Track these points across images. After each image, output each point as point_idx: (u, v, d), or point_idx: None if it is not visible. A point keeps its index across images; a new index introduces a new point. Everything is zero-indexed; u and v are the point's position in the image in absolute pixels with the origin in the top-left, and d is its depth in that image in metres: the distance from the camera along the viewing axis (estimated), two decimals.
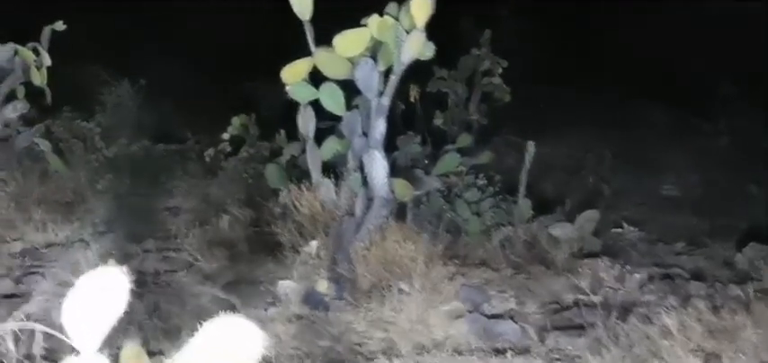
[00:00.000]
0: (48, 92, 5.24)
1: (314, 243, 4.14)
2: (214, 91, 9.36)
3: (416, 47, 3.92)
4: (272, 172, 5.41)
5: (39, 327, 2.74)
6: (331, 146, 4.58)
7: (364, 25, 4.01)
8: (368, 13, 4.05)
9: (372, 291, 4.02)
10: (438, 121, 6.88)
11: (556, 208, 5.98)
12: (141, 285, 3.93)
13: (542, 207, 5.69)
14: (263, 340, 1.17)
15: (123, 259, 4.35)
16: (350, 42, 3.95)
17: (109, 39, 8.20)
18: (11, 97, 5.41)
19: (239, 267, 4.24)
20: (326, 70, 4.17)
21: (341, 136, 4.62)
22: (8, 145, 5.52)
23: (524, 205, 5.42)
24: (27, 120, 5.82)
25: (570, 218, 5.50)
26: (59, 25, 5.27)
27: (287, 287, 4.01)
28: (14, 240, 4.38)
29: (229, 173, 6.61)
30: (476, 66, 7.23)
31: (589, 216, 5.42)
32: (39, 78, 5.13)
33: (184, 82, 8.31)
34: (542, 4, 10.10)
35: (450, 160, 5.68)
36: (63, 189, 5.57)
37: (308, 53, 4.09)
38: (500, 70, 7.36)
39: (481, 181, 6.03)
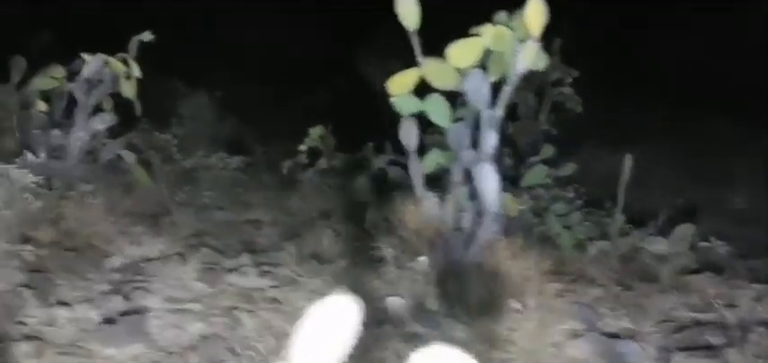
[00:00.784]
0: (137, 104, 5.19)
1: (423, 259, 4.02)
2: (282, 102, 9.35)
3: (531, 57, 3.78)
4: (361, 185, 5.31)
5: None
6: (434, 158, 4.46)
7: (475, 34, 3.87)
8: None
9: (484, 309, 3.88)
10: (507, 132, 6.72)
11: (648, 221, 5.79)
12: (248, 300, 3.83)
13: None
14: None
15: (223, 273, 4.27)
16: (463, 52, 3.83)
17: (180, 50, 8.16)
18: (98, 109, 5.36)
19: (342, 282, 4.12)
20: (435, 81, 4.05)
21: (444, 148, 4.50)
22: (93, 157, 5.48)
23: (620, 219, 5.25)
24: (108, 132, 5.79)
25: (662, 232, 5.33)
26: (147, 35, 5.22)
27: (396, 304, 3.89)
28: (112, 254, 4.29)
29: (309, 185, 6.52)
30: (546, 75, 7.08)
31: (684, 231, 5.25)
32: (128, 90, 5.07)
33: (254, 93, 8.27)
34: (597, 14, 9.95)
35: (538, 172, 5.54)
36: (146, 201, 5.52)
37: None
38: (570, 80, 7.21)
39: (569, 194, 5.88)
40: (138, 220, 5.05)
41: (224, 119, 7.28)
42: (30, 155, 4.04)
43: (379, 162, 5.60)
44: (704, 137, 8.42)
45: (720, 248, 5.73)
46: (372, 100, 10.02)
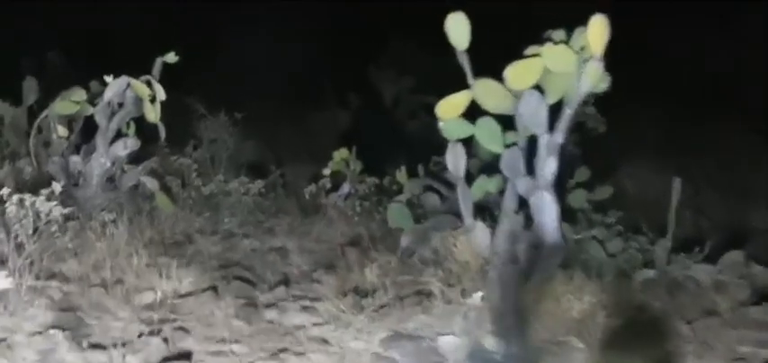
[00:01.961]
0: (161, 128, 4.93)
1: (478, 295, 3.77)
2: (300, 123, 9.12)
3: (594, 77, 3.55)
4: (394, 212, 5.07)
5: None
6: (481, 185, 4.22)
7: (535, 55, 3.63)
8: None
9: (544, 347, 3.63)
10: None
11: (692, 246, 5.54)
12: (294, 340, 3.57)
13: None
14: None
15: (261, 309, 4.02)
16: (521, 73, 3.58)
17: (198, 71, 7.93)
18: (119, 133, 5.11)
19: (389, 319, 3.87)
20: (487, 104, 3.81)
21: (491, 174, 4.27)
22: (113, 183, 5.22)
23: (665, 245, 5.02)
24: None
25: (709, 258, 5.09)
26: (171, 57, 4.98)
27: (450, 343, 3.63)
28: (142, 289, 4.03)
29: (333, 211, 6.27)
30: None
31: (733, 258, 5.01)
32: (152, 113, 4.82)
33: (270, 114, 8.02)
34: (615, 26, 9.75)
35: (577, 196, 5.31)
36: (169, 229, 5.27)
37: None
38: (592, 99, 6.98)
39: (609, 219, 5.64)
40: (163, 250, 4.81)
41: (243, 142, 7.01)
42: (55, 185, 3.75)
43: (413, 187, 5.34)
44: (722, 149, 8.23)
45: (763, 273, 5.48)
46: (390, 121, 9.83)
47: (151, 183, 5.13)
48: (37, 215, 3.66)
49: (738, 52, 9.60)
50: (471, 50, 3.79)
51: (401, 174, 5.40)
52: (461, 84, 3.78)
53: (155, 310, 3.85)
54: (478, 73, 3.86)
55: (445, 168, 5.70)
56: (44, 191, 3.68)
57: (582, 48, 3.51)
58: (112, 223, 4.71)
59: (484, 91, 3.78)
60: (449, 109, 3.83)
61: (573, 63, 3.52)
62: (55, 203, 3.58)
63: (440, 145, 7.91)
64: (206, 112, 6.63)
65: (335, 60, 10.45)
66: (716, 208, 6.97)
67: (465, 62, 3.81)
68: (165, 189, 5.60)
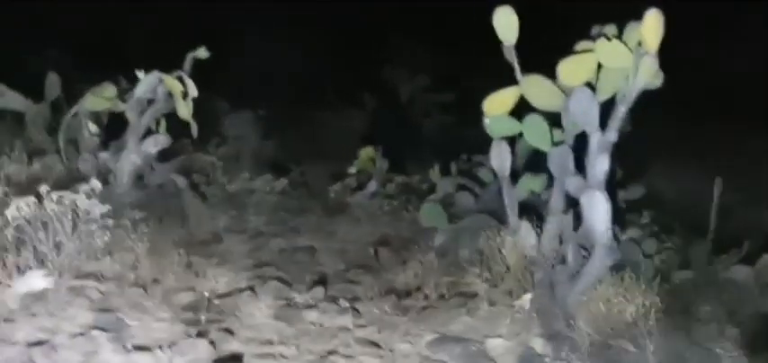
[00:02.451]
0: (194, 125, 4.84)
1: (527, 297, 3.68)
2: (319, 122, 9.03)
3: (648, 74, 3.46)
4: (428, 211, 4.98)
5: None
6: (526, 184, 4.13)
7: (587, 50, 3.55)
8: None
9: (596, 351, 3.54)
10: None
11: (728, 248, 5.45)
12: (342, 342, 3.48)
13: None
14: None
15: (301, 310, 3.92)
16: (574, 69, 3.49)
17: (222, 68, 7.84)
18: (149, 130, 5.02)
19: (433, 321, 3.78)
20: (536, 100, 3.73)
21: (535, 173, 4.19)
22: (142, 181, 5.13)
23: (704, 246, 4.94)
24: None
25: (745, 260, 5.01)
26: (203, 52, 4.88)
27: (499, 346, 3.54)
28: (179, 289, 3.94)
29: (359, 210, 6.19)
30: None
31: None
32: (185, 109, 4.72)
33: (285, 115, 7.93)
34: None
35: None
36: (198, 227, 5.18)
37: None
38: None
39: (644, 220, 5.56)
40: (193, 249, 4.70)
41: (265, 140, 6.92)
42: (95, 182, 3.65)
43: (446, 186, 5.24)
44: (745, 152, 8.13)
45: None
46: (407, 120, 9.74)
47: (181, 181, 5.04)
48: (76, 212, 3.54)
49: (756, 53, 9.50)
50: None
51: (434, 173, 5.30)
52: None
53: (195, 311, 3.74)
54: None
55: (477, 166, 5.65)
56: (82, 188, 3.56)
57: (638, 44, 3.41)
58: (143, 221, 4.61)
59: (532, 87, 3.70)
60: (496, 105, 3.74)
61: (628, 58, 3.42)
62: (96, 201, 3.47)
63: (459, 143, 7.86)
64: (230, 109, 6.52)
65: (346, 60, 10.35)
66: (744, 210, 6.87)
67: (513, 57, 3.73)
68: (193, 186, 5.51)
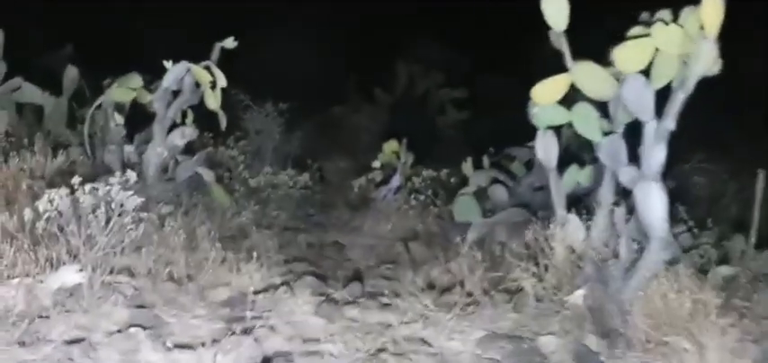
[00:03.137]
0: (222, 116, 4.68)
1: (579, 293, 3.53)
2: (329, 119, 8.90)
3: (708, 60, 3.30)
4: (463, 205, 4.84)
5: None
6: (572, 176, 3.98)
7: (644, 35, 3.40)
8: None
9: (650, 348, 3.40)
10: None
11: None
12: (391, 340, 3.33)
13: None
14: None
15: (341, 306, 3.78)
16: (632, 54, 3.35)
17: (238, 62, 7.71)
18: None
19: (480, 318, 3.63)
20: (587, 88, 3.58)
21: (582, 164, 4.04)
22: (167, 174, 4.98)
23: (745, 241, 4.78)
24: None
25: None
26: (230, 42, 4.73)
27: (551, 343, 3.39)
28: (214, 285, 3.80)
29: (383, 204, 6.05)
30: None
31: None
32: (213, 100, 4.57)
33: (300, 110, 7.77)
34: None
35: None
36: (225, 222, 5.03)
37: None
38: None
39: (681, 215, 5.40)
40: (223, 244, 4.54)
41: (287, 134, 6.77)
42: (130, 173, 3.50)
43: (479, 179, 5.10)
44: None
45: None
46: (423, 115, 9.59)
47: (207, 175, 4.89)
48: (109, 205, 3.39)
49: None
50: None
51: (466, 166, 5.15)
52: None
53: (231, 307, 3.60)
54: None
55: (505, 158, 5.50)
56: (115, 180, 3.41)
57: (700, 28, 3.26)
58: (171, 216, 4.47)
59: (584, 74, 3.55)
60: (546, 94, 3.60)
61: (686, 44, 3.27)
62: (130, 193, 3.32)
63: (475, 137, 7.70)
64: (251, 103, 6.37)
65: (361, 55, 10.21)
66: None
67: (563, 44, 3.58)
68: (218, 180, 5.37)
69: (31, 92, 5.70)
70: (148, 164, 4.59)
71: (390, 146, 6.20)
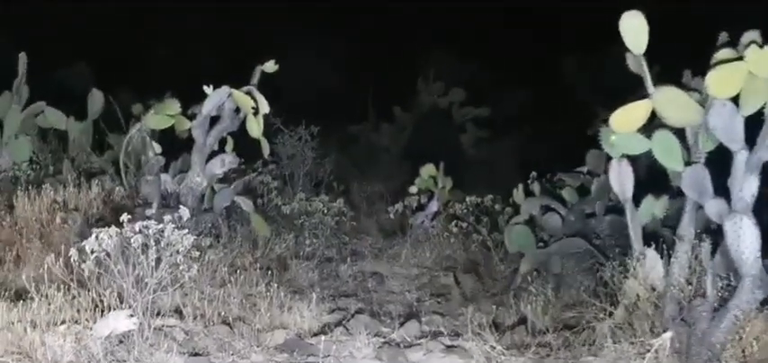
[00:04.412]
0: (265, 144, 4.44)
1: (667, 335, 3.28)
2: (350, 141, 8.66)
3: None
4: (516, 234, 4.59)
5: None
6: (648, 207, 3.74)
7: (736, 59, 3.16)
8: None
9: None
10: None
11: None
12: None
13: None
14: None
15: (402, 349, 3.53)
16: (725, 79, 3.10)
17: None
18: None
19: (556, 361, 3.37)
20: (669, 115, 3.34)
21: (656, 195, 3.80)
22: (204, 203, 4.73)
23: None
24: None
25: None
26: (271, 66, 4.49)
27: None
28: (268, 328, 3.54)
29: (421, 232, 5.80)
30: None
31: None
32: (256, 127, 4.32)
33: (332, 129, 7.53)
34: None
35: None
36: (264, 254, 4.79)
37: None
38: None
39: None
40: (260, 276, 4.30)
41: (318, 159, 6.52)
42: (184, 210, 3.24)
43: (531, 207, 4.85)
44: None
45: None
46: (445, 135, 9.33)
47: (246, 205, 4.64)
48: (158, 243, 3.13)
49: None
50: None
51: (517, 193, 4.90)
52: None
53: (288, 351, 3.35)
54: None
55: (554, 185, 5.25)
56: (167, 218, 3.16)
57: None
58: (212, 249, 4.23)
59: (666, 100, 3.30)
60: (625, 121, 3.34)
61: None
62: (185, 232, 3.06)
63: (501, 159, 7.42)
64: (283, 127, 6.12)
65: (381, 73, 9.95)
66: None
67: (644, 68, 3.34)
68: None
69: (55, 117, 5.46)
70: (188, 195, 4.32)
71: (427, 170, 5.95)
